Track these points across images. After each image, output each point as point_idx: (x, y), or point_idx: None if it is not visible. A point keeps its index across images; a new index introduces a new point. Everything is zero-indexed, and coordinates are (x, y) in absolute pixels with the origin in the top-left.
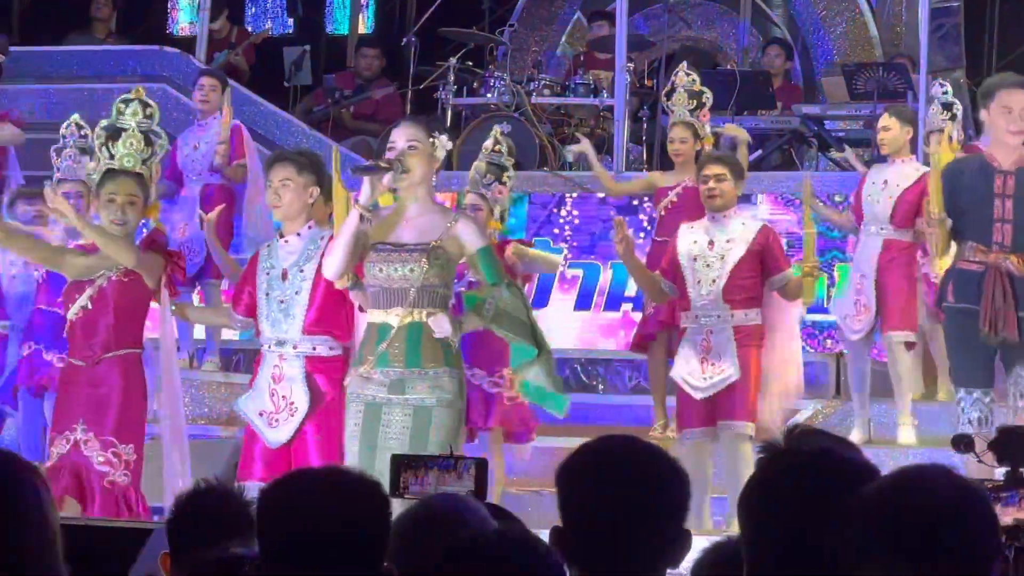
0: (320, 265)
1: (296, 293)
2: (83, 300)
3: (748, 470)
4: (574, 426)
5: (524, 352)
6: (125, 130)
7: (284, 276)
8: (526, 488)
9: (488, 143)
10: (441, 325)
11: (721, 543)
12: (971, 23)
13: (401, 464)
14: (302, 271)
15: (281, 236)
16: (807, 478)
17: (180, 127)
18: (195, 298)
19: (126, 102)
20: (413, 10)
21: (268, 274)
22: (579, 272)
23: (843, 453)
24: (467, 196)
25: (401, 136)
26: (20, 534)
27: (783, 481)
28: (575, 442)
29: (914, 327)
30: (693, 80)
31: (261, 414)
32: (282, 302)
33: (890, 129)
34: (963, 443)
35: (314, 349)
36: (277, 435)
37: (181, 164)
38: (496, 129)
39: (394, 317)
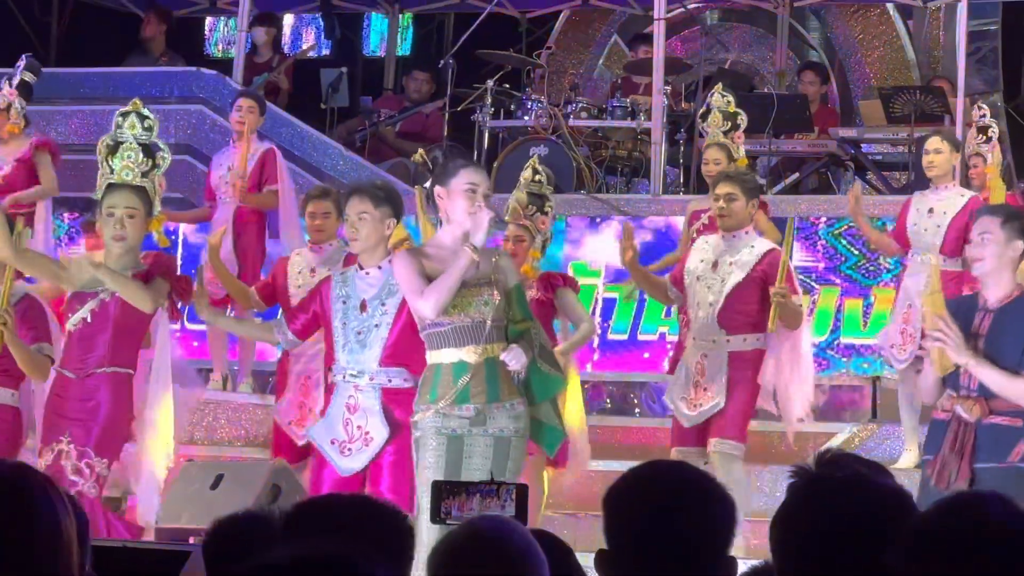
0: (403, 299)
1: (376, 326)
2: (84, 312)
3: (739, 488)
4: (609, 446)
5: (557, 383)
6: (123, 143)
7: (363, 307)
8: (562, 511)
9: (527, 174)
10: (519, 358)
11: (759, 568)
12: (1009, 46)
13: (443, 490)
14: (383, 304)
15: (360, 267)
16: (837, 504)
17: (216, 148)
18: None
19: (124, 115)
20: (451, 32)
21: (344, 303)
22: (615, 295)
23: (874, 479)
24: (509, 227)
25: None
26: (33, 545)
27: (813, 507)
28: (612, 466)
29: None
30: (728, 101)
31: (333, 442)
32: (359, 333)
33: (941, 152)
34: None
35: (390, 381)
36: (351, 463)
37: (214, 185)
38: (533, 158)
39: (470, 354)
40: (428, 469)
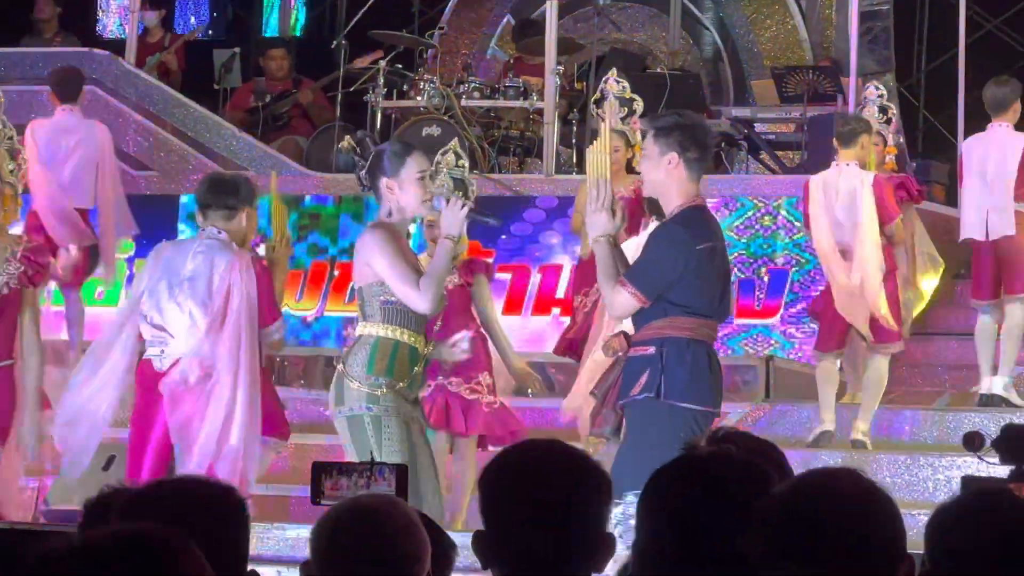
0: None
1: None
2: None
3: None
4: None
5: None
6: None
7: None
8: None
9: (450, 158)
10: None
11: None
12: (901, 27)
13: (321, 470)
14: None
15: None
16: (694, 482)
17: (110, 129)
18: None
19: None
20: (343, 12)
21: None
22: (508, 276)
23: (740, 457)
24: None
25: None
26: None
27: (671, 483)
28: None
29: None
30: (624, 87)
31: None
32: None
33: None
34: (976, 440)
35: None
36: None
37: None
38: (454, 142)
39: (423, 345)
40: (396, 453)
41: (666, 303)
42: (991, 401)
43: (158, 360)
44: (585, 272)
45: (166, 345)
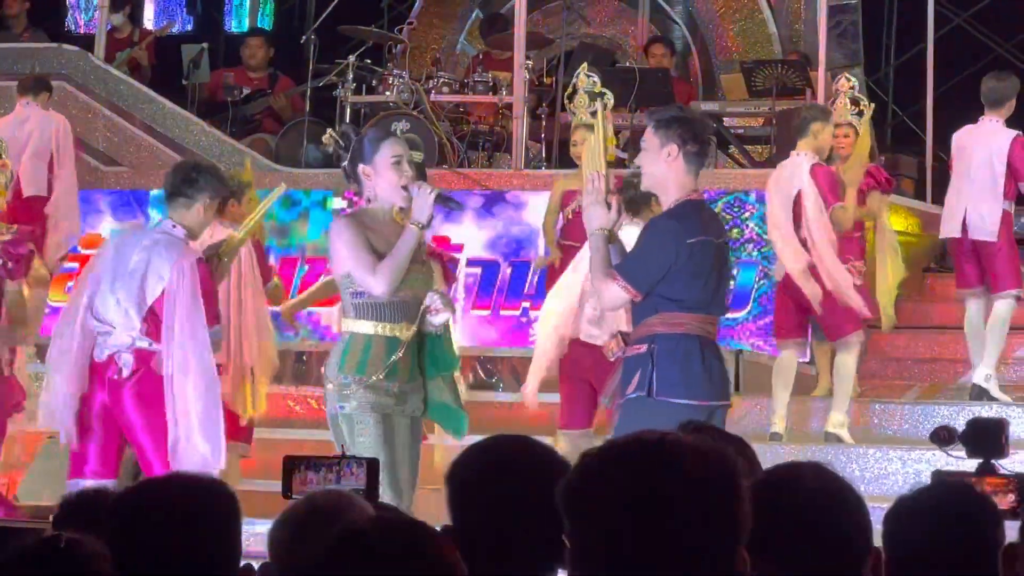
0: None
1: None
2: None
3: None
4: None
5: (449, 362)
6: None
7: None
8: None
9: (583, 79)
10: (445, 311)
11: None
12: (869, 21)
13: (291, 465)
14: None
15: None
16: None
17: (80, 124)
18: None
19: None
20: (312, 7)
21: None
22: (477, 270)
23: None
24: None
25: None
26: None
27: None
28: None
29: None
30: (594, 82)
31: None
32: None
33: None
34: (944, 435)
35: None
36: None
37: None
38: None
39: (404, 331)
40: (369, 449)
41: (657, 298)
42: (983, 393)
43: (98, 350)
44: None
45: (109, 336)
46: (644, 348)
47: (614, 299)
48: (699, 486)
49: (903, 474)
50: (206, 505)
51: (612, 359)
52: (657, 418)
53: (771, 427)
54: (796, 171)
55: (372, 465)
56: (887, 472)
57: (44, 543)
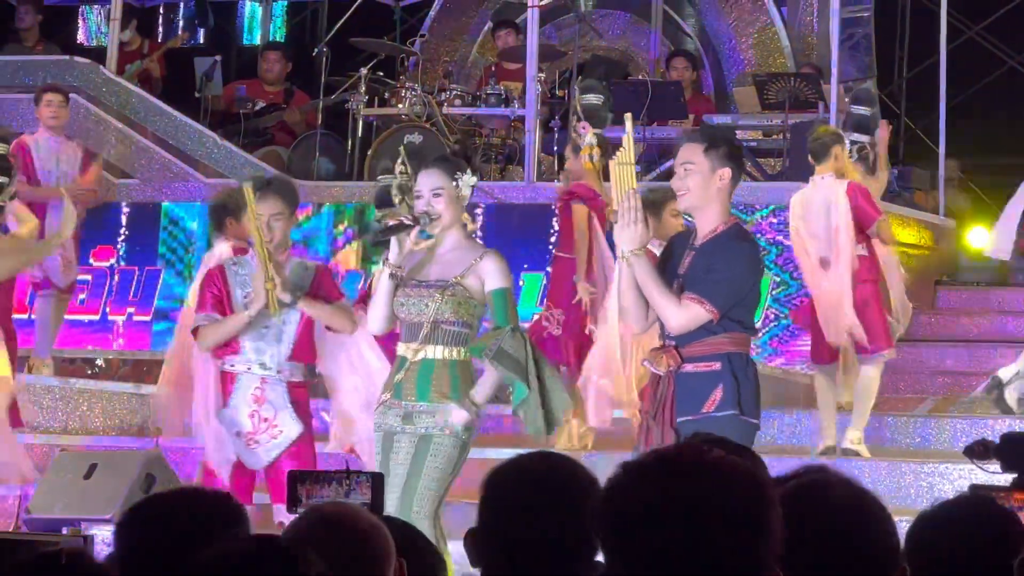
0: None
1: (284, 322)
2: None
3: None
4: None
5: (520, 391)
6: None
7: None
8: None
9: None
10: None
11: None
12: (882, 33)
13: (297, 479)
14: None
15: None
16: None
17: (89, 136)
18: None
19: None
20: (324, 20)
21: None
22: None
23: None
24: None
25: (426, 185)
26: None
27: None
28: (488, 453)
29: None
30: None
31: (239, 435)
32: (267, 327)
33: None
34: (980, 449)
35: (292, 376)
36: (257, 458)
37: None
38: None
39: (408, 351)
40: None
41: (725, 319)
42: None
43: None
44: (556, 289)
45: None
46: (718, 366)
47: (693, 321)
48: (737, 499)
49: (916, 487)
50: (212, 516)
51: (659, 372)
52: (746, 437)
53: (823, 442)
54: (830, 195)
55: (377, 480)
56: (900, 485)
57: (45, 558)
